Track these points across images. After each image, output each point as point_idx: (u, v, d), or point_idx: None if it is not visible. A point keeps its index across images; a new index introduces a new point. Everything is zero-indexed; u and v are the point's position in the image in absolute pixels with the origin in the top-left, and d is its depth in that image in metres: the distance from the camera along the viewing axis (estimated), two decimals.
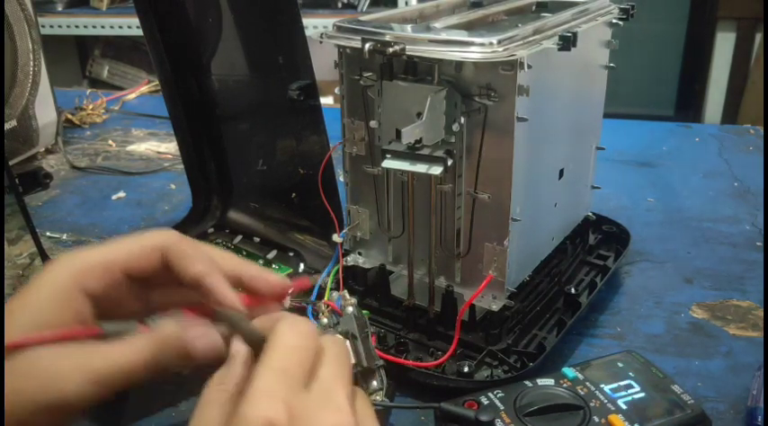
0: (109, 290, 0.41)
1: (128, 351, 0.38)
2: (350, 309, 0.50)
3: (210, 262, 0.43)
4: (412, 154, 0.51)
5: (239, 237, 0.76)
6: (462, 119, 0.51)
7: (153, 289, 0.44)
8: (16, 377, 0.36)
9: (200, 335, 0.40)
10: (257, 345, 0.37)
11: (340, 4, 2.23)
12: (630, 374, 0.50)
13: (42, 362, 0.37)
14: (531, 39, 0.51)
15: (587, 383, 0.49)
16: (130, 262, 0.42)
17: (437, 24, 0.54)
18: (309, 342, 0.36)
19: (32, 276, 0.58)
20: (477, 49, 0.48)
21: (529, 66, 0.49)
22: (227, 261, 0.44)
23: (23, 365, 0.37)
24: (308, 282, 0.50)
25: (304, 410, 0.33)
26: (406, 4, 2.09)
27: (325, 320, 0.51)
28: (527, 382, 0.49)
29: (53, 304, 0.39)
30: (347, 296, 0.52)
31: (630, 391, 0.48)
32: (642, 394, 0.48)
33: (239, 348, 0.37)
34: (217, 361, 0.40)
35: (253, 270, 0.45)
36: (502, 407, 0.47)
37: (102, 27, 2.27)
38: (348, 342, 0.47)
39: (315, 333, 0.37)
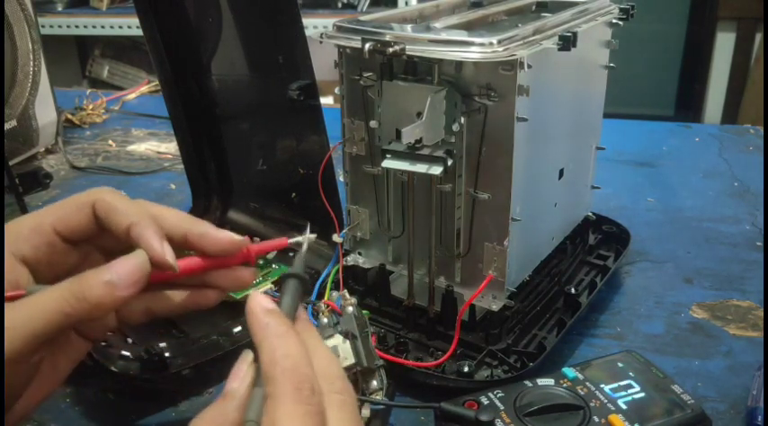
0: (42, 253, 0.40)
1: (43, 299, 0.37)
2: (350, 309, 0.50)
3: (143, 215, 0.40)
4: (412, 154, 0.51)
5: None
6: (462, 119, 0.51)
7: (101, 253, 0.43)
8: None
9: (123, 265, 0.38)
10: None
11: (340, 4, 2.23)
12: (630, 374, 0.50)
13: None
14: (531, 39, 0.51)
15: (587, 383, 0.49)
16: (61, 221, 0.40)
17: (437, 24, 0.54)
18: None
19: None
20: (477, 49, 0.48)
21: (529, 66, 0.49)
22: (171, 218, 0.42)
23: None
24: (285, 242, 0.45)
25: None
26: (406, 4, 2.09)
27: (325, 320, 0.51)
28: (527, 382, 0.49)
29: None
30: (347, 296, 0.52)
31: (630, 391, 0.48)
32: (642, 395, 0.48)
33: (235, 386, 0.33)
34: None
35: (200, 228, 0.42)
36: (502, 407, 0.47)
37: (102, 27, 2.27)
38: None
39: (318, 414, 0.32)
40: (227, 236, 0.42)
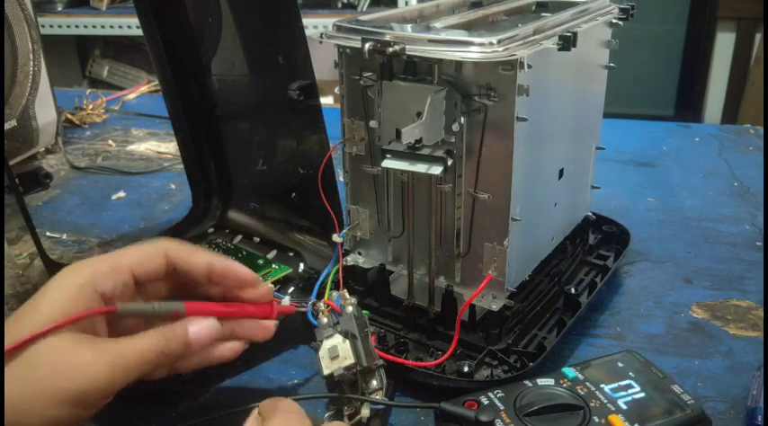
0: (118, 291, 0.44)
1: (145, 342, 0.42)
2: (350, 309, 0.50)
3: (215, 255, 0.48)
4: (412, 154, 0.51)
5: (239, 237, 0.76)
6: (462, 119, 0.51)
7: (155, 291, 0.48)
8: (32, 368, 0.38)
9: (199, 326, 0.45)
10: None
11: (340, 4, 2.23)
12: (630, 374, 0.50)
13: (58, 354, 0.38)
14: (531, 39, 0.51)
15: (587, 383, 0.49)
16: (137, 264, 0.45)
17: (437, 24, 0.54)
18: None
19: (32, 276, 0.58)
20: (477, 49, 0.48)
21: (529, 66, 0.49)
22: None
23: (39, 356, 0.38)
24: (293, 310, 0.52)
25: None
26: (406, 4, 2.09)
27: (325, 320, 0.51)
28: (527, 382, 0.49)
29: (65, 299, 0.41)
30: (347, 295, 0.52)
31: (630, 391, 0.48)
32: (642, 395, 0.48)
33: None
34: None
35: (225, 262, 0.49)
36: (502, 407, 0.47)
37: (102, 27, 2.27)
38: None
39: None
40: (266, 287, 0.50)
